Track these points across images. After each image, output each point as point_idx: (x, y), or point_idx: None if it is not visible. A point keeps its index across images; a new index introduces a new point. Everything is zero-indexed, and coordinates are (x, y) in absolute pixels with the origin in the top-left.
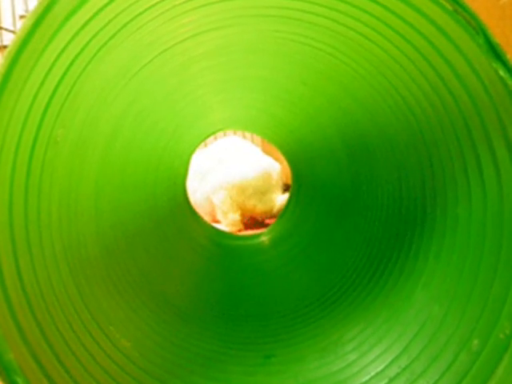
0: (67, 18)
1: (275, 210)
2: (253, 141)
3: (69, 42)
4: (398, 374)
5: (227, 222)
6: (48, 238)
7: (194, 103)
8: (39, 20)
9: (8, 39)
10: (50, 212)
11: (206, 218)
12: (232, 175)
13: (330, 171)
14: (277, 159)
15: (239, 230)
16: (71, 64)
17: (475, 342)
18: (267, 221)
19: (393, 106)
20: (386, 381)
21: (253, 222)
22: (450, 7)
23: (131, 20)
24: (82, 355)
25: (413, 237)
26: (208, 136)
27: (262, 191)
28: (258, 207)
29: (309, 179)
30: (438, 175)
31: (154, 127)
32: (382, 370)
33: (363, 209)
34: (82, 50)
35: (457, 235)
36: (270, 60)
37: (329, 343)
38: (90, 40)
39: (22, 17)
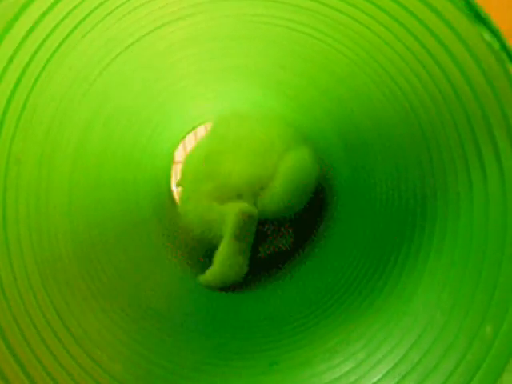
0: (8, 27)
1: None
2: None
3: (16, 51)
4: (410, 370)
5: None
6: (14, 234)
7: (174, 97)
8: None
9: None
10: (16, 203)
11: None
12: None
13: (326, 167)
14: None
15: None
16: (26, 66)
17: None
18: None
19: (389, 95)
20: (398, 379)
21: None
22: None
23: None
24: (53, 368)
25: (412, 236)
26: (190, 131)
27: None
28: None
29: None
30: (438, 169)
31: (131, 124)
32: (393, 367)
33: (360, 206)
34: (32, 57)
35: (459, 232)
36: (253, 47)
37: (335, 343)
38: (40, 45)
39: None
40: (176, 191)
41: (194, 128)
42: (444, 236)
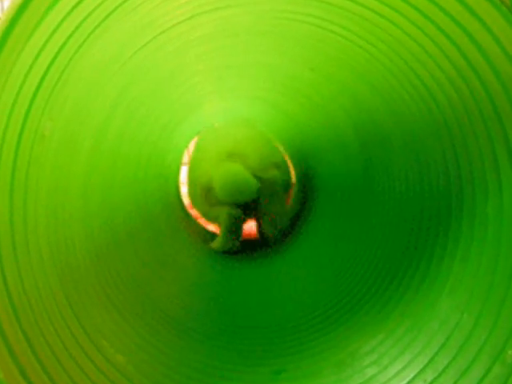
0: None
1: None
2: None
3: (59, 25)
4: (436, 377)
5: None
6: (35, 242)
7: (189, 92)
8: (26, 2)
9: None
10: (36, 214)
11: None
12: None
13: (341, 167)
14: None
15: None
16: (61, 49)
17: (510, 352)
18: None
19: (412, 92)
20: None
21: None
22: None
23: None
24: (75, 372)
25: (436, 239)
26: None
27: None
28: None
29: (315, 176)
30: (465, 169)
31: (146, 118)
32: (418, 374)
33: (379, 207)
34: (74, 32)
35: (487, 237)
36: (273, 44)
37: (345, 356)
38: (82, 21)
39: None
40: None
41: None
42: (471, 241)
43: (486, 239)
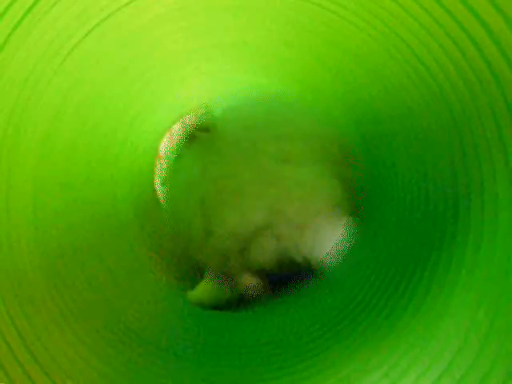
0: None
1: None
2: None
3: None
4: None
5: None
6: None
7: (157, 79)
8: None
9: None
10: None
11: None
12: None
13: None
14: None
15: None
16: None
17: None
18: None
19: (414, 77)
20: None
21: None
22: None
23: None
24: None
25: (442, 245)
26: (177, 120)
27: None
28: None
29: None
30: (473, 168)
31: (108, 112)
32: None
33: (381, 210)
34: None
35: (496, 243)
36: (254, 21)
37: (350, 372)
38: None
39: None
40: (160, 190)
41: (181, 116)
42: (479, 246)
43: (495, 246)
